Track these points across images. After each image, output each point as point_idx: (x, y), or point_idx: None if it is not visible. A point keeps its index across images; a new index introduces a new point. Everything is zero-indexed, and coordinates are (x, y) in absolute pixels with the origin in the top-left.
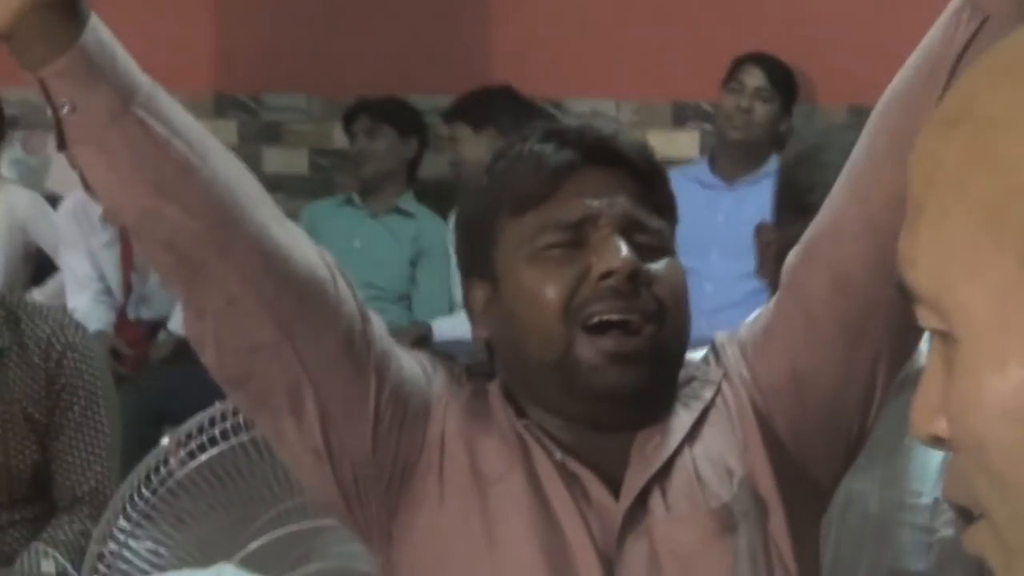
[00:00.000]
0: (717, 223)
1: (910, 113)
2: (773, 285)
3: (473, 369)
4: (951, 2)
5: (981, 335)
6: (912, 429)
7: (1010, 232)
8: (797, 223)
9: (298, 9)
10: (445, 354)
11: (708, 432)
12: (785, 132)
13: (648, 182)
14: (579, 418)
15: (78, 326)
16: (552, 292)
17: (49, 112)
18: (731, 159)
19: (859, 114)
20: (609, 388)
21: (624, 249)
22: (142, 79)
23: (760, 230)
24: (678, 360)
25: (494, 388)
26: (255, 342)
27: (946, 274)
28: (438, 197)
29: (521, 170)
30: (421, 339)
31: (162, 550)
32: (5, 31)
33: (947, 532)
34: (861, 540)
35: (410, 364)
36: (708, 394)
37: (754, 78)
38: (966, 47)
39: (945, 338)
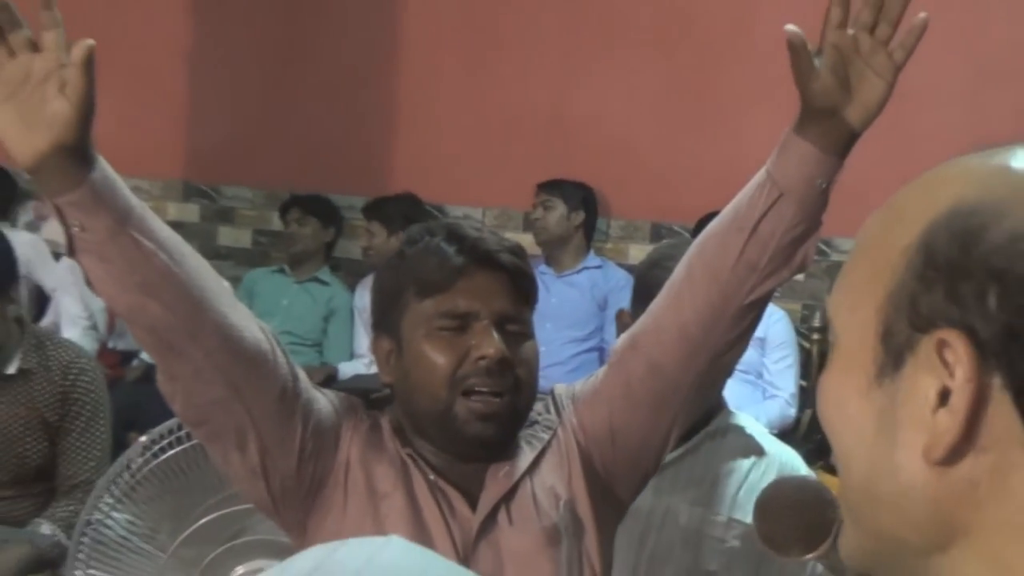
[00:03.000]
0: (551, 303)
1: (721, 253)
2: None
3: (374, 401)
4: (758, 173)
5: (845, 353)
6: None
7: (880, 286)
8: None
9: (249, 123)
10: (351, 392)
11: (544, 466)
12: (589, 230)
13: (520, 282)
14: (451, 452)
15: (90, 356)
16: (441, 364)
17: (62, 229)
18: (555, 255)
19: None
20: (474, 437)
21: (497, 340)
22: (135, 203)
23: (620, 315)
24: (525, 417)
25: (385, 423)
26: (212, 398)
27: (842, 304)
28: (347, 272)
29: (428, 261)
30: (329, 378)
31: (136, 520)
32: (31, 168)
33: (735, 543)
34: (672, 544)
35: (325, 405)
36: (546, 436)
37: (540, 197)
38: (763, 215)
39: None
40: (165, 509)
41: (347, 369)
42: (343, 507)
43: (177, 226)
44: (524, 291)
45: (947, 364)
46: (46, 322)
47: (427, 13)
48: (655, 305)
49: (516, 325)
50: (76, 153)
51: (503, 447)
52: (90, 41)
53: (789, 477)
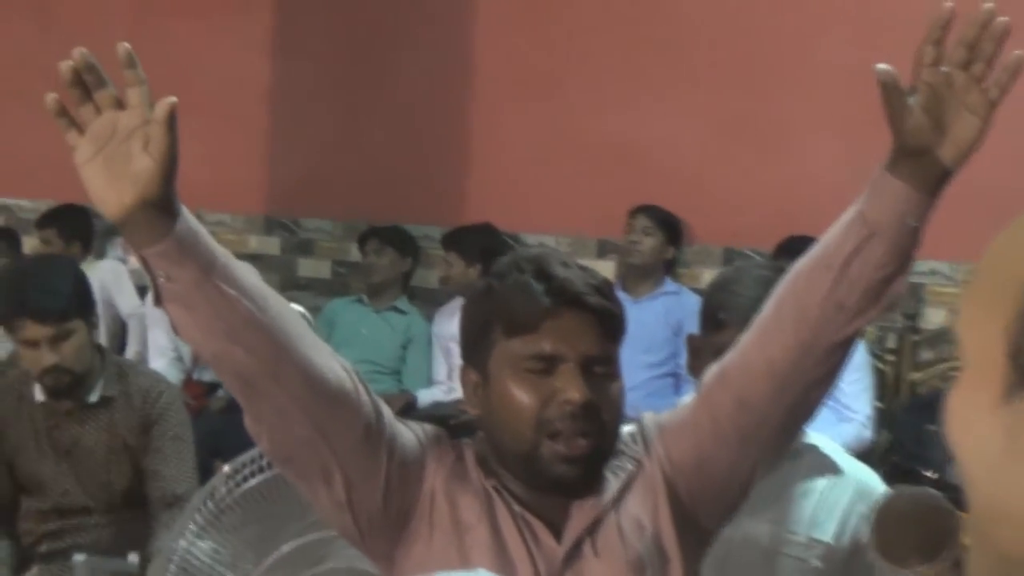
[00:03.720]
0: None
1: (809, 291)
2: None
3: (454, 428)
4: (848, 210)
5: (972, 371)
6: None
7: (1000, 307)
8: (713, 334)
9: (327, 155)
10: (434, 419)
11: (630, 496)
12: (672, 262)
13: (607, 322)
14: (535, 488)
15: (169, 382)
16: (527, 406)
17: (149, 278)
18: (634, 281)
19: (734, 255)
20: (559, 478)
21: (582, 384)
22: (219, 252)
23: (690, 339)
24: (609, 456)
25: (469, 454)
26: (298, 437)
27: (969, 322)
28: (424, 300)
29: (516, 300)
30: (408, 405)
31: (220, 548)
32: (118, 221)
33: (816, 563)
34: (752, 566)
35: (410, 438)
36: (632, 467)
37: (640, 221)
38: (853, 254)
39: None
40: (249, 536)
41: (425, 396)
42: (429, 539)
43: (258, 259)
44: (611, 331)
45: None
46: (130, 352)
47: (498, 44)
48: (744, 340)
49: (602, 367)
50: (161, 207)
51: (588, 487)
52: (172, 99)
53: (906, 488)
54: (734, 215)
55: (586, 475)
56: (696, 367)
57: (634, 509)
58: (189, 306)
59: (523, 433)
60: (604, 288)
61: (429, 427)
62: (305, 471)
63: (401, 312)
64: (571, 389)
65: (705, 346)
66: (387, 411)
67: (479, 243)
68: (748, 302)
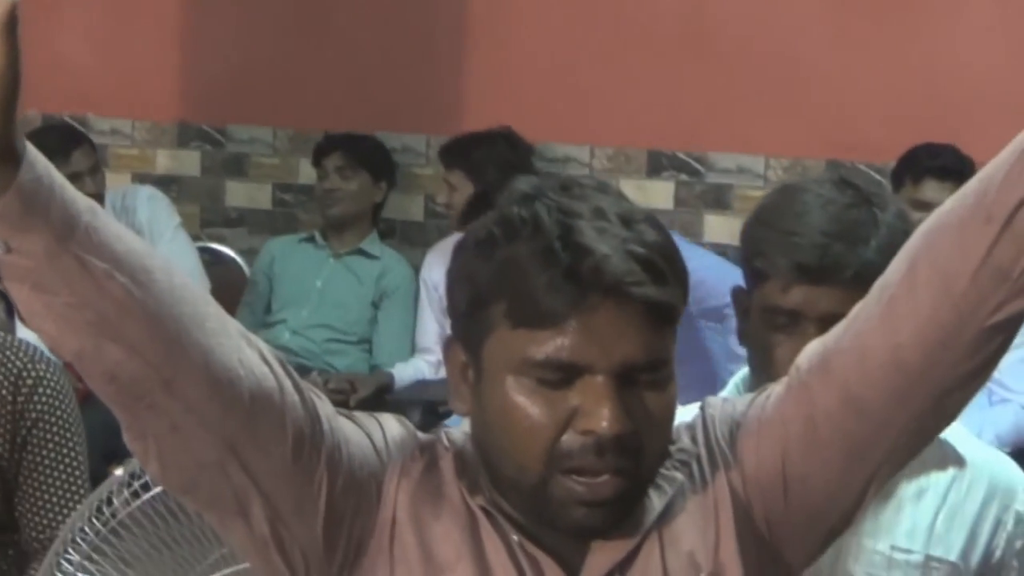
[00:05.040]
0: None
1: (958, 253)
2: (753, 351)
3: (441, 418)
4: (1013, 143)
5: None
6: None
7: None
8: (755, 288)
9: (268, 40)
10: (407, 408)
11: (679, 520)
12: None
13: (660, 311)
14: (543, 523)
15: (49, 360)
16: (535, 429)
17: None
18: None
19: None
20: (575, 524)
21: (615, 409)
22: (81, 207)
23: (736, 295)
24: (647, 488)
25: (446, 459)
26: (200, 460)
27: None
28: (403, 240)
29: (528, 275)
30: (382, 389)
31: None
32: None
33: None
34: None
35: (360, 445)
36: (683, 476)
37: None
38: None
39: None
40: (151, 572)
41: (404, 372)
42: None
43: (170, 181)
44: (667, 319)
45: None
46: None
47: None
48: (858, 315)
49: (648, 374)
50: None
51: (612, 527)
52: None
53: None
54: (842, 117)
55: (612, 518)
56: (747, 332)
57: (685, 539)
58: (40, 287)
59: (528, 464)
60: (658, 260)
61: (393, 425)
62: (212, 502)
63: (371, 256)
64: (596, 415)
65: (751, 305)
66: (326, 410)
67: (495, 158)
68: (798, 240)
